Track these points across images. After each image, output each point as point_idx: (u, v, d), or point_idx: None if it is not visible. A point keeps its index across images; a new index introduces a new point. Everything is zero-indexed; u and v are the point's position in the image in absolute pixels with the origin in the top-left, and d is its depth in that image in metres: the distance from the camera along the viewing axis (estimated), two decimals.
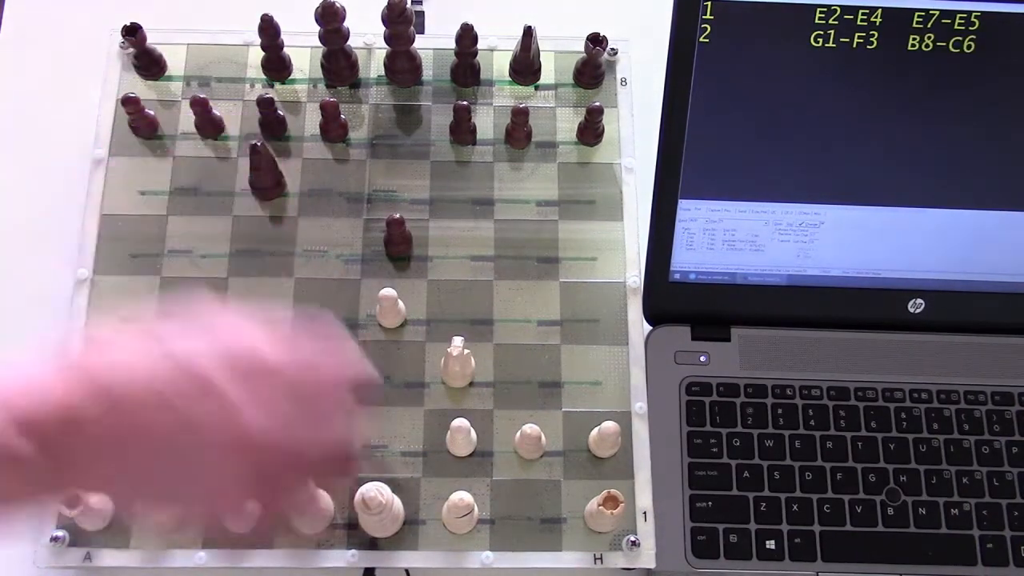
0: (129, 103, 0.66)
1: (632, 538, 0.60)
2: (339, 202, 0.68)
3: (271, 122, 0.69)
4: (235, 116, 0.70)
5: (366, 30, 0.71)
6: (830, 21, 0.61)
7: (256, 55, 0.71)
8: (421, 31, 0.75)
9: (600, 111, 0.68)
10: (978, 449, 0.65)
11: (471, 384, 0.64)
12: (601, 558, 0.60)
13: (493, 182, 0.69)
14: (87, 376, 0.39)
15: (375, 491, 0.55)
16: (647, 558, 0.60)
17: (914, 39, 0.61)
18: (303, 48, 0.72)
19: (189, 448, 0.40)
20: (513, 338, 0.65)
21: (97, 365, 0.40)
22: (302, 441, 0.42)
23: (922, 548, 0.63)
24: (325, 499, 0.59)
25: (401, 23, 0.67)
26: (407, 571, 0.62)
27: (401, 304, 0.65)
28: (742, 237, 0.66)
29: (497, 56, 0.73)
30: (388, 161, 0.70)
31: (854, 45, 0.61)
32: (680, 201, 0.66)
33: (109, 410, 0.38)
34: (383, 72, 0.72)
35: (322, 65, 0.71)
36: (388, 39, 0.69)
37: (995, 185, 0.65)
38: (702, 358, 0.67)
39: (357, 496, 0.55)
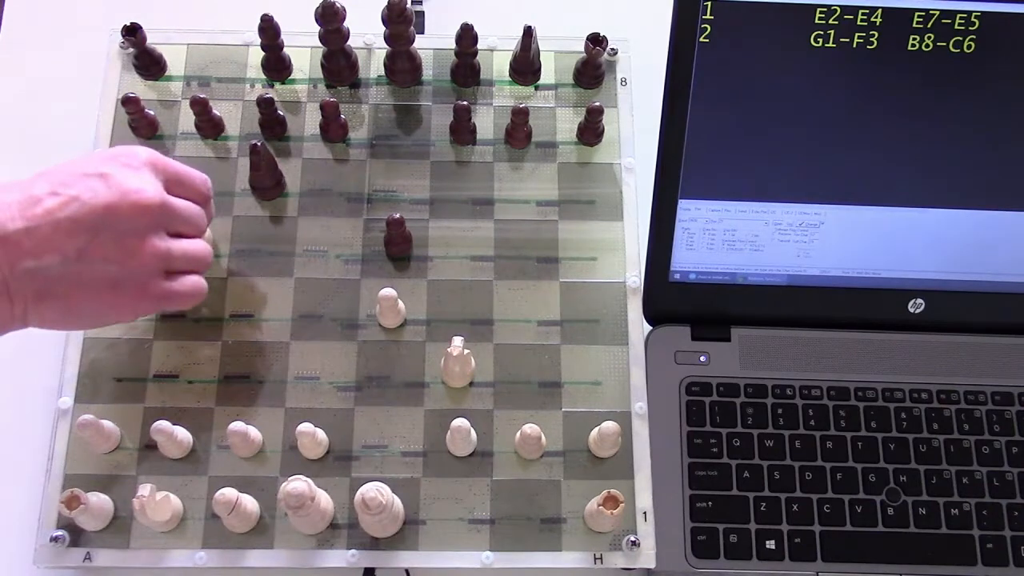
0: (129, 103, 0.66)
1: (632, 538, 0.60)
2: (339, 202, 0.69)
3: (271, 122, 0.69)
4: (235, 116, 0.70)
5: (366, 30, 0.72)
6: (830, 21, 0.61)
7: (256, 55, 0.71)
8: (421, 31, 0.75)
9: (600, 111, 0.68)
10: (978, 449, 0.65)
11: (471, 384, 0.64)
12: (601, 558, 0.60)
13: (493, 182, 0.69)
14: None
15: (375, 491, 0.55)
16: (647, 558, 0.60)
17: (914, 39, 0.61)
18: (303, 48, 0.72)
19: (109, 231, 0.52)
20: (513, 338, 0.65)
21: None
22: (176, 203, 0.56)
23: (922, 548, 0.63)
24: (325, 499, 0.59)
25: (401, 23, 0.67)
26: (407, 571, 0.62)
27: (401, 304, 0.65)
28: (742, 237, 0.66)
29: (497, 56, 0.73)
30: (388, 161, 0.70)
31: (854, 45, 0.62)
32: (680, 201, 0.66)
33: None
34: (383, 72, 0.72)
35: (322, 65, 0.71)
36: (388, 39, 0.69)
37: (995, 185, 0.65)
38: (702, 358, 0.67)
39: (357, 496, 0.55)
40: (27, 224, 0.50)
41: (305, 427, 0.60)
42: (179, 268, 0.57)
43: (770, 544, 0.63)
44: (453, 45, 0.70)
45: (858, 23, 0.61)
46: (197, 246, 0.58)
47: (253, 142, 0.65)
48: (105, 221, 0.52)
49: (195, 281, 0.58)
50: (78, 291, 0.52)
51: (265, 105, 0.67)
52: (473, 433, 0.61)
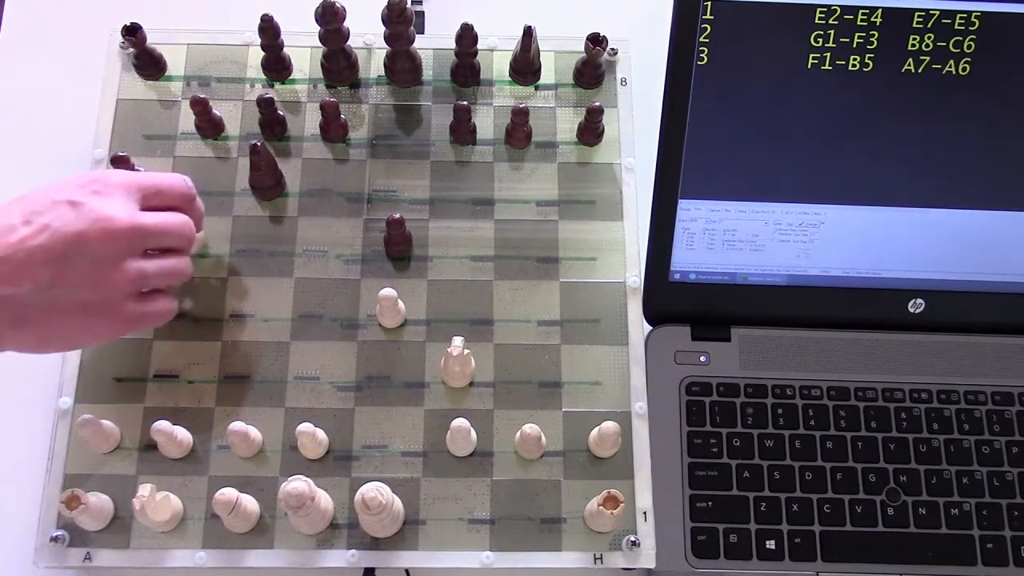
0: (119, 162, 0.66)
1: (632, 538, 0.60)
2: (339, 202, 0.69)
3: (271, 122, 0.69)
4: (235, 116, 0.70)
5: (366, 30, 0.72)
6: (830, 21, 0.61)
7: (256, 55, 0.71)
8: (421, 31, 0.75)
9: (600, 111, 0.68)
10: (978, 449, 0.65)
11: (471, 384, 0.64)
12: (601, 558, 0.60)
13: (493, 182, 0.69)
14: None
15: (375, 491, 0.55)
16: (647, 558, 0.60)
17: (914, 39, 0.61)
18: (303, 48, 0.72)
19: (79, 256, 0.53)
20: (513, 338, 0.65)
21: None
22: (150, 222, 0.56)
23: (922, 548, 0.63)
24: (325, 499, 0.59)
25: (401, 23, 0.67)
26: (407, 571, 0.62)
27: (401, 304, 0.65)
28: (742, 237, 0.66)
29: (497, 56, 0.73)
30: (388, 161, 0.70)
31: (854, 45, 0.61)
32: (680, 201, 0.66)
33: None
34: (383, 72, 0.72)
35: (322, 65, 0.71)
36: (388, 39, 0.69)
37: (995, 185, 0.65)
38: (702, 358, 0.67)
39: (357, 496, 0.55)
40: (1, 253, 0.51)
41: (305, 427, 0.60)
42: (156, 286, 0.58)
43: (770, 544, 0.63)
44: (453, 45, 0.70)
45: (858, 23, 0.61)
46: (171, 263, 0.58)
47: (253, 142, 0.65)
48: (76, 248, 0.53)
49: (164, 305, 0.59)
50: (52, 317, 0.54)
51: (265, 105, 0.67)
52: (473, 433, 0.61)
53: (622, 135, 0.71)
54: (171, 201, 0.59)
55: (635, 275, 0.67)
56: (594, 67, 0.71)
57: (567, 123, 0.71)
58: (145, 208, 0.57)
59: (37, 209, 0.53)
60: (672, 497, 0.63)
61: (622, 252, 0.68)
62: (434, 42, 0.73)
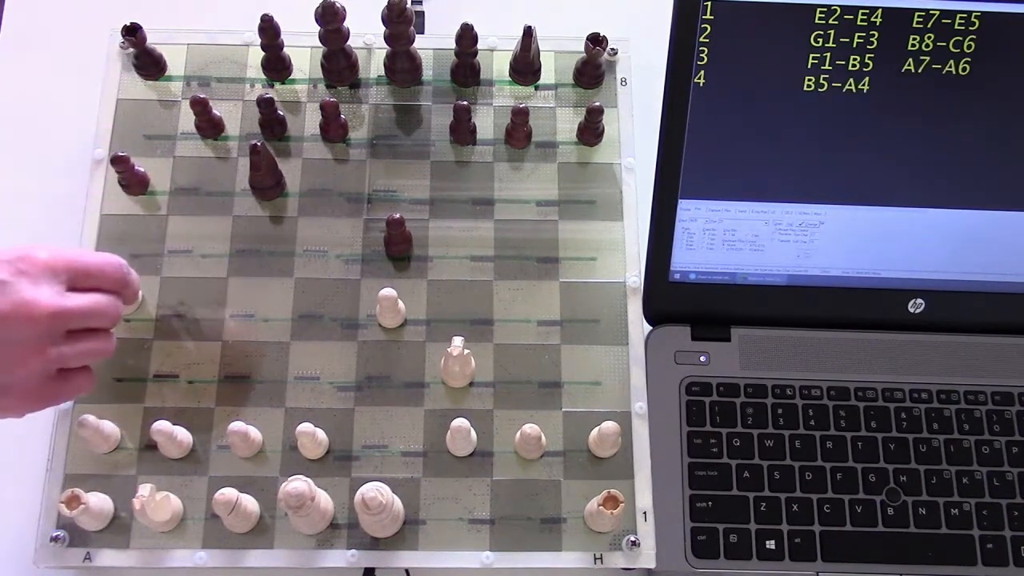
0: (119, 162, 0.65)
1: (632, 538, 0.60)
2: (339, 202, 0.69)
3: (271, 122, 0.69)
4: (235, 116, 0.70)
5: (366, 30, 0.72)
6: (830, 21, 0.61)
7: (256, 55, 0.71)
8: (421, 31, 0.75)
9: (600, 111, 0.68)
10: (978, 449, 0.65)
11: (471, 384, 0.64)
12: (601, 558, 0.60)
13: (493, 182, 0.69)
14: None
15: (375, 491, 0.55)
16: (647, 558, 0.60)
17: (914, 39, 0.61)
18: (303, 48, 0.72)
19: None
20: (513, 338, 0.65)
21: None
22: (73, 305, 0.55)
23: (922, 548, 0.63)
24: (325, 499, 0.59)
25: (401, 23, 0.67)
26: (407, 571, 0.62)
27: (401, 304, 0.65)
28: (742, 237, 0.66)
29: (497, 56, 0.73)
30: (388, 161, 0.70)
31: (854, 45, 0.61)
32: (680, 201, 0.66)
33: None
34: (383, 72, 0.72)
35: (322, 65, 0.71)
36: (388, 39, 0.69)
37: (995, 185, 0.65)
38: (702, 358, 0.67)
39: (357, 496, 0.55)
40: None
41: (305, 427, 0.60)
42: (76, 365, 0.57)
43: (770, 544, 0.63)
44: (453, 45, 0.70)
45: (858, 23, 0.61)
46: (91, 346, 0.57)
47: (253, 142, 0.65)
48: None
49: (81, 383, 0.57)
50: None
51: (265, 105, 0.67)
52: (473, 433, 0.61)
53: (622, 135, 0.71)
54: (100, 284, 0.57)
55: (635, 275, 0.67)
56: (594, 67, 0.71)
57: (567, 123, 0.71)
58: (72, 289, 0.55)
59: None
60: (672, 497, 0.63)
61: (622, 252, 0.68)
62: (434, 42, 0.73)
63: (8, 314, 0.52)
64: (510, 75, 0.72)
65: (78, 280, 0.56)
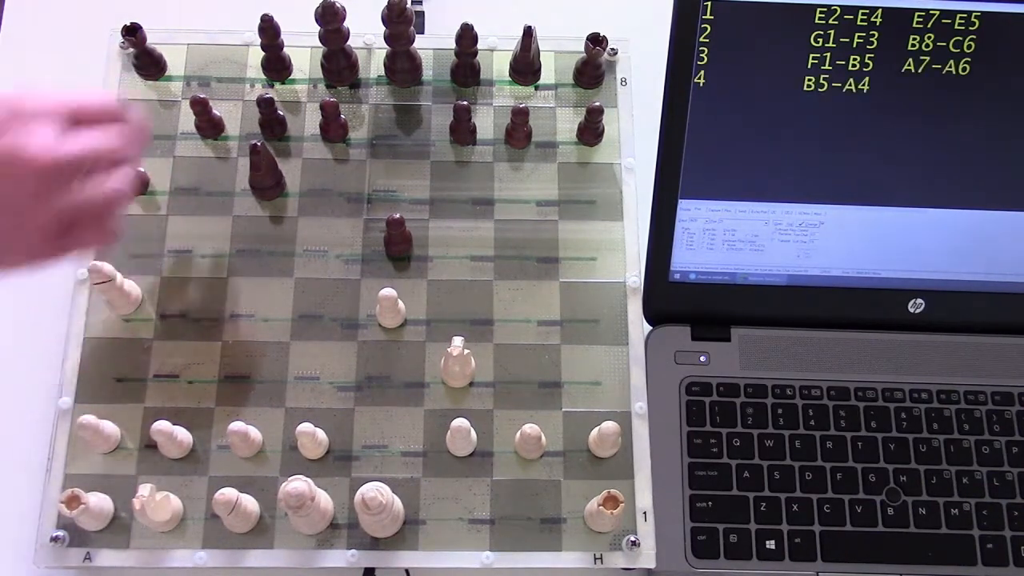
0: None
1: (632, 538, 0.60)
2: (339, 202, 0.69)
3: (271, 122, 0.69)
4: (235, 116, 0.70)
5: (366, 30, 0.72)
6: (830, 21, 0.61)
7: (256, 55, 0.71)
8: (421, 31, 0.75)
9: (600, 111, 0.68)
10: (978, 449, 0.65)
11: (471, 384, 0.64)
12: (601, 558, 0.60)
13: (493, 182, 0.69)
14: None
15: (375, 491, 0.55)
16: (647, 558, 0.60)
17: (914, 39, 0.61)
18: (303, 48, 0.72)
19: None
20: (513, 338, 0.65)
21: None
22: (71, 148, 0.50)
23: (922, 548, 0.63)
24: (325, 499, 0.59)
25: (401, 23, 0.67)
26: (407, 571, 0.62)
27: (401, 304, 0.65)
28: (742, 237, 0.66)
29: (497, 56, 0.73)
30: (388, 161, 0.70)
31: (854, 45, 0.61)
32: (680, 201, 0.66)
33: None
34: (383, 72, 0.72)
35: (322, 65, 0.71)
36: (388, 39, 0.69)
37: (995, 185, 0.65)
38: (702, 358, 0.67)
39: (357, 496, 0.55)
40: None
41: (305, 427, 0.60)
42: (86, 216, 0.53)
43: (770, 544, 0.63)
44: (453, 45, 0.70)
45: (858, 23, 0.61)
46: (101, 190, 0.52)
47: (253, 142, 0.65)
48: None
49: (90, 237, 0.54)
50: None
51: (265, 105, 0.67)
52: (473, 433, 0.61)
53: (622, 135, 0.71)
54: (101, 121, 0.53)
55: (635, 275, 0.67)
56: (594, 67, 0.71)
57: (567, 123, 0.71)
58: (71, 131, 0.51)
59: None
60: (672, 497, 0.63)
61: (622, 252, 0.68)
62: (434, 42, 0.73)
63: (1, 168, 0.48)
64: (510, 75, 0.72)
65: (79, 118, 0.51)
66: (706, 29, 0.61)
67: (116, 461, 0.62)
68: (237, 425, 0.60)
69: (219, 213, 0.68)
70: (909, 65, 0.62)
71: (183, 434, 0.61)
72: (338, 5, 0.66)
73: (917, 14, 0.61)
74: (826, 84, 0.62)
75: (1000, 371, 0.68)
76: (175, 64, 0.71)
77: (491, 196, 0.69)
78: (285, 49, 0.70)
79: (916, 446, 0.65)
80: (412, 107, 0.72)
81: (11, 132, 0.48)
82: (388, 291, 0.62)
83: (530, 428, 0.60)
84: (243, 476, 0.61)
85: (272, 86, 0.71)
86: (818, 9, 0.61)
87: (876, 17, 0.61)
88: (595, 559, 0.60)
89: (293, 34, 0.70)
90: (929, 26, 0.61)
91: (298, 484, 0.55)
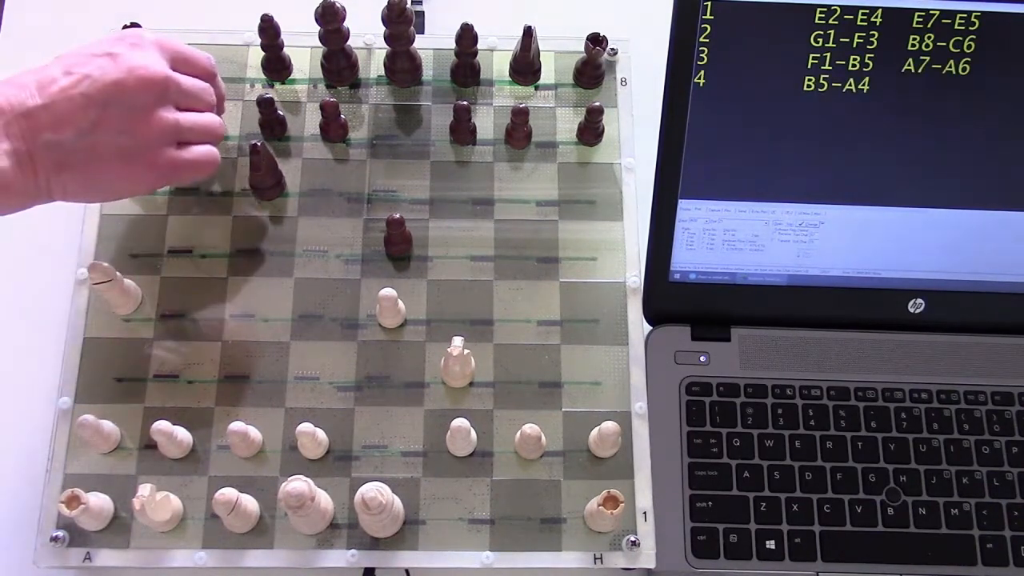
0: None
1: (632, 538, 0.60)
2: (339, 202, 0.69)
3: (271, 122, 0.69)
4: (235, 116, 0.70)
5: (366, 30, 0.72)
6: (830, 21, 0.61)
7: (256, 55, 0.71)
8: (421, 31, 0.75)
9: (600, 111, 0.68)
10: (978, 449, 0.65)
11: (471, 384, 0.64)
12: (601, 558, 0.60)
13: (493, 182, 0.69)
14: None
15: (375, 491, 0.55)
16: (647, 558, 0.60)
17: (914, 39, 0.61)
18: (303, 48, 0.72)
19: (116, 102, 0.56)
20: (513, 338, 0.65)
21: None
22: (181, 78, 0.60)
23: (922, 548, 0.63)
24: (325, 499, 0.59)
25: (401, 23, 0.67)
26: (407, 571, 0.62)
27: (401, 304, 0.65)
28: (742, 237, 0.66)
29: (497, 56, 0.73)
30: (388, 161, 0.70)
31: (854, 45, 0.62)
32: (680, 201, 0.66)
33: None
34: (383, 72, 0.72)
35: (322, 65, 0.71)
36: (388, 39, 0.69)
37: (995, 185, 0.65)
38: (702, 358, 0.67)
39: (357, 496, 0.55)
40: (44, 101, 0.55)
41: (305, 427, 0.60)
42: (191, 139, 0.61)
43: (770, 544, 0.63)
44: (453, 45, 0.70)
45: (858, 23, 0.61)
46: (206, 117, 0.62)
47: (253, 142, 0.65)
48: (114, 96, 0.56)
49: (205, 151, 0.62)
50: (94, 162, 0.57)
51: (265, 105, 0.67)
52: (473, 433, 0.61)
53: (622, 135, 0.71)
54: (196, 72, 0.62)
55: (635, 275, 0.67)
56: (594, 67, 0.71)
57: (567, 123, 0.71)
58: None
59: (76, 62, 0.56)
60: (672, 497, 0.63)
61: (622, 252, 0.68)
62: (434, 42, 0.73)
63: (125, 79, 0.56)
64: (510, 75, 0.72)
65: (177, 64, 0.61)
66: (706, 29, 0.61)
67: (116, 461, 0.62)
68: (237, 425, 0.60)
69: (219, 213, 0.68)
70: (909, 65, 0.62)
71: (183, 434, 0.61)
72: (338, 5, 0.66)
73: (917, 14, 0.61)
74: (826, 84, 0.62)
75: (1000, 371, 0.68)
76: None
77: (491, 196, 0.69)
78: (285, 49, 0.70)
79: (916, 446, 0.65)
80: (412, 107, 0.72)
81: (138, 52, 0.58)
82: (388, 291, 0.62)
83: (530, 428, 0.60)
84: (243, 476, 0.61)
85: (272, 86, 0.71)
86: (818, 9, 0.61)
87: (876, 17, 0.61)
88: (595, 559, 0.60)
89: (293, 34, 0.70)
90: (929, 26, 0.61)
91: (298, 484, 0.55)
